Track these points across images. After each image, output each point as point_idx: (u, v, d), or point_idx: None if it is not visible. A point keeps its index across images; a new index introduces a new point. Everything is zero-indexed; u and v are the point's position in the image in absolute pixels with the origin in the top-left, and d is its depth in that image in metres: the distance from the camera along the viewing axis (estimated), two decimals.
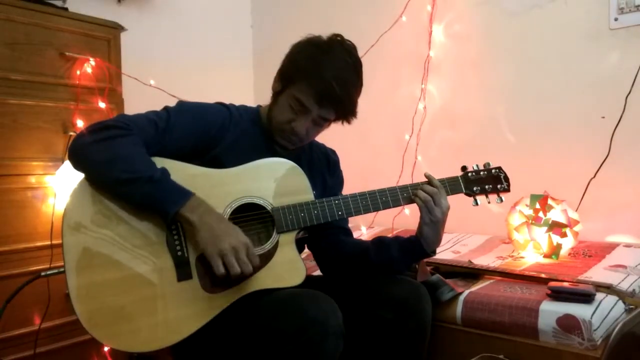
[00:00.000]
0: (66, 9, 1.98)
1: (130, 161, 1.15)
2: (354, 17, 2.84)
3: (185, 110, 1.29)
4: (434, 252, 1.39)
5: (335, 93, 1.27)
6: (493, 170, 1.45)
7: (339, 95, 1.28)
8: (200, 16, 2.98)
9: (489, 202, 1.43)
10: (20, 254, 1.79)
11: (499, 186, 1.43)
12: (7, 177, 1.78)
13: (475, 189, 1.41)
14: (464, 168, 1.44)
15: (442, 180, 1.39)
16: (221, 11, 3.08)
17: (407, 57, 2.70)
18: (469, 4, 2.51)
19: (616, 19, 2.11)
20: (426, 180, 1.38)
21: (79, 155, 1.18)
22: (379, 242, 1.41)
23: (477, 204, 1.42)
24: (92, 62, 1.98)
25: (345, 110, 1.34)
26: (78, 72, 1.95)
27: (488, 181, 1.43)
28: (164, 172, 1.17)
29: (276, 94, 1.35)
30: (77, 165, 1.19)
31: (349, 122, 1.38)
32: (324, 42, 1.33)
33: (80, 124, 1.93)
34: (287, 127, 1.32)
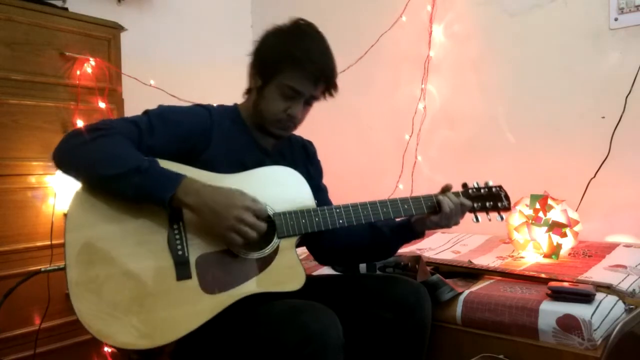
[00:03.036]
0: (66, 9, 1.98)
1: (115, 157, 1.15)
2: (354, 17, 2.84)
3: (165, 113, 1.28)
4: (423, 233, 1.43)
5: (327, 70, 1.32)
6: (494, 189, 1.44)
7: (330, 71, 1.33)
8: (201, 16, 2.98)
9: (489, 220, 1.43)
10: (20, 254, 1.79)
11: (499, 204, 1.43)
12: (7, 177, 1.78)
13: (476, 205, 1.42)
14: (464, 185, 1.44)
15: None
16: (221, 11, 3.08)
17: (407, 57, 2.70)
18: (469, 4, 2.52)
19: (616, 19, 2.11)
20: (432, 194, 1.38)
21: (65, 160, 1.18)
22: (371, 225, 1.42)
23: (477, 220, 1.42)
24: (92, 62, 1.98)
25: (333, 85, 1.36)
26: (78, 72, 1.95)
27: (489, 199, 1.43)
28: (152, 161, 1.17)
29: (259, 89, 1.35)
30: (65, 170, 1.18)
31: (332, 95, 1.39)
32: (294, 28, 1.36)
33: (80, 124, 1.93)
34: (284, 115, 1.33)
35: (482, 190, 1.43)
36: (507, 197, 1.44)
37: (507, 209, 1.44)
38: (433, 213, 1.36)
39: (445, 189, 1.39)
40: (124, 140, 1.18)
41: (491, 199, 1.43)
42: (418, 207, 1.36)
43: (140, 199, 1.16)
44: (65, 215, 1.16)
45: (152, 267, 1.15)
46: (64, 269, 1.11)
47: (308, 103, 1.36)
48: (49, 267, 1.56)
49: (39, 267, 1.76)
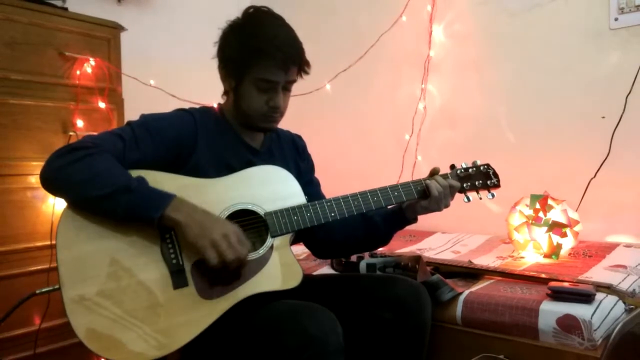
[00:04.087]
0: (66, 8, 1.97)
1: (104, 176, 1.13)
2: (354, 17, 2.84)
3: (148, 122, 1.27)
4: (416, 219, 1.43)
5: (294, 53, 1.29)
6: (482, 167, 1.45)
7: (297, 52, 1.31)
8: (200, 16, 2.98)
9: (480, 198, 1.44)
10: (20, 254, 1.79)
11: (488, 182, 1.43)
12: (7, 177, 1.77)
13: (465, 185, 1.42)
14: (452, 166, 1.44)
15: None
16: (221, 11, 3.07)
17: (407, 57, 2.70)
18: (469, 3, 2.51)
19: (616, 19, 2.11)
20: (421, 179, 1.38)
21: (52, 182, 1.16)
22: (363, 215, 1.42)
23: (468, 200, 1.43)
24: (92, 62, 1.97)
25: (304, 63, 1.34)
26: (78, 72, 1.94)
27: (477, 177, 1.43)
28: (141, 180, 1.16)
29: (235, 89, 1.34)
30: (54, 192, 1.18)
31: (307, 72, 1.37)
32: (248, 19, 1.33)
33: (80, 124, 1.93)
34: (266, 108, 1.32)
35: (470, 170, 1.43)
36: (495, 175, 1.45)
37: (497, 186, 1.44)
38: (423, 198, 1.36)
39: (433, 173, 1.40)
40: (111, 158, 1.17)
41: (480, 178, 1.43)
42: (408, 193, 1.36)
43: (130, 218, 1.14)
44: (56, 233, 1.14)
45: (148, 278, 1.15)
46: (59, 289, 1.10)
47: (286, 89, 1.35)
48: (44, 289, 1.55)
49: (38, 267, 1.78)
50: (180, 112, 1.36)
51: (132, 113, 1.29)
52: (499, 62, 2.44)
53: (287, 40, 1.29)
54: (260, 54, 1.27)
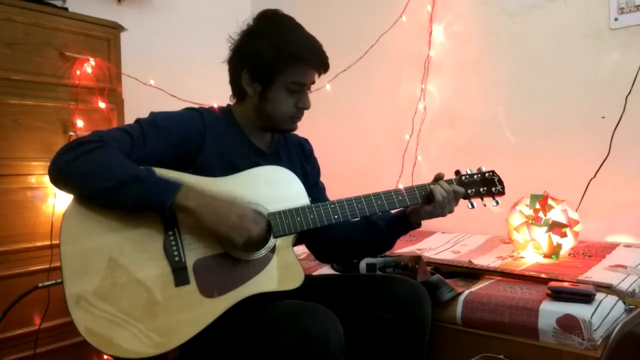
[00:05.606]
0: (66, 9, 1.97)
1: (112, 168, 1.14)
2: (354, 17, 2.84)
3: (157, 120, 1.27)
4: (419, 224, 1.42)
5: (324, 55, 1.34)
6: (487, 174, 1.44)
7: (325, 53, 1.34)
8: (200, 16, 2.98)
9: (484, 205, 1.43)
10: (20, 254, 1.79)
11: (493, 189, 1.43)
12: (7, 177, 1.78)
13: (469, 191, 1.41)
14: (457, 172, 1.44)
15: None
16: (221, 11, 3.08)
17: (407, 57, 2.70)
18: (469, 4, 2.52)
19: (616, 19, 2.11)
20: (425, 184, 1.38)
21: (61, 176, 1.16)
22: (367, 219, 1.42)
23: (473, 206, 1.42)
24: (92, 62, 1.98)
25: (328, 65, 1.38)
26: (78, 72, 1.95)
27: (482, 184, 1.43)
28: (149, 170, 1.16)
29: (261, 93, 1.33)
30: (62, 186, 1.17)
31: (325, 73, 1.40)
32: (272, 24, 1.35)
33: (80, 124, 1.93)
34: (294, 110, 1.35)
35: (475, 176, 1.43)
36: (500, 182, 1.44)
37: (501, 193, 1.44)
38: (427, 203, 1.36)
39: (438, 178, 1.40)
40: (118, 151, 1.17)
41: (485, 184, 1.43)
42: (412, 198, 1.37)
43: (140, 208, 1.15)
44: (59, 228, 1.14)
45: (150, 275, 1.15)
46: (61, 283, 1.10)
47: (310, 89, 1.38)
48: (46, 283, 1.55)
49: (38, 267, 1.79)
50: (189, 111, 1.36)
51: (132, 113, 1.30)
52: (499, 62, 2.44)
53: (316, 43, 1.34)
54: (294, 58, 1.29)
